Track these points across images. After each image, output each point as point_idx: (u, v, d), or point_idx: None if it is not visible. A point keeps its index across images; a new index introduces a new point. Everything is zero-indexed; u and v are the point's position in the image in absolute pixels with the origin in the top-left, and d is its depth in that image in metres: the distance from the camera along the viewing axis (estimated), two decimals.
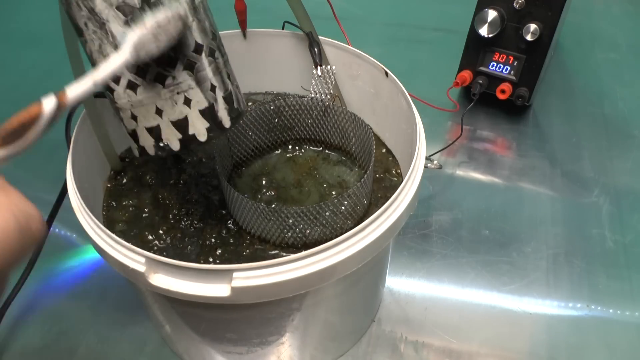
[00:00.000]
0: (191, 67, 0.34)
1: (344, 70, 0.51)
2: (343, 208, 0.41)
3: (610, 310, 0.51)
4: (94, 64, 0.34)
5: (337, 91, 0.51)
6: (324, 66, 0.49)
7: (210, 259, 0.42)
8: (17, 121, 0.23)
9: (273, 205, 0.42)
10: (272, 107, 0.49)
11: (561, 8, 0.63)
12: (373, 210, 0.40)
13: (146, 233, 0.43)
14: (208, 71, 0.35)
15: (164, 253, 0.42)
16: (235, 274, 0.32)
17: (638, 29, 0.88)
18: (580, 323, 0.51)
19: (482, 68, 0.69)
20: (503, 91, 0.68)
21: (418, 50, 0.83)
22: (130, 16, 0.31)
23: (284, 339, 0.41)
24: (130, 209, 0.45)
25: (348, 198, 0.41)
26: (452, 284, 0.53)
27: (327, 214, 0.40)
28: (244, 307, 0.35)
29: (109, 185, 0.47)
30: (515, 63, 0.67)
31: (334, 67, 0.50)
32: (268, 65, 0.54)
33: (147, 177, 0.47)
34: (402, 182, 0.37)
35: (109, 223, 0.44)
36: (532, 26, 0.64)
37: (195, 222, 0.44)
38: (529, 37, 0.64)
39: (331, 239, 0.33)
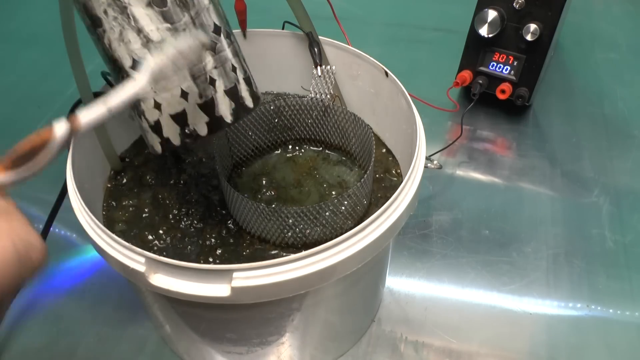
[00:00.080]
0: (213, 48, 0.34)
1: (344, 70, 0.51)
2: (343, 208, 0.41)
3: (610, 310, 0.51)
4: (111, 56, 0.33)
5: (337, 91, 0.51)
6: (324, 66, 0.49)
7: (210, 259, 0.42)
8: (28, 145, 0.23)
9: (273, 205, 0.42)
10: (272, 107, 0.49)
11: (561, 8, 0.63)
12: (373, 210, 0.40)
13: (146, 233, 0.43)
14: (228, 52, 0.35)
15: (164, 253, 0.42)
16: (235, 274, 0.32)
17: (638, 29, 0.88)
18: (580, 323, 0.51)
19: (482, 68, 0.69)
20: (503, 91, 0.68)
21: (418, 50, 0.83)
22: None
23: (284, 339, 0.41)
24: (130, 209, 0.45)
25: (348, 198, 0.41)
26: (452, 284, 0.53)
27: (327, 214, 0.40)
28: (244, 307, 0.35)
29: (109, 185, 0.47)
30: (515, 63, 0.67)
31: (334, 67, 0.50)
32: (268, 65, 0.54)
33: (147, 177, 0.47)
34: (402, 182, 0.37)
35: (109, 223, 0.44)
36: (532, 26, 0.64)
37: (195, 222, 0.44)
38: (529, 37, 0.64)
39: (331, 239, 0.33)
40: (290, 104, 0.49)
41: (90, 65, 0.41)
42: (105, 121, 0.27)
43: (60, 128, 0.24)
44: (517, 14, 0.65)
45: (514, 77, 0.68)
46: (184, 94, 0.33)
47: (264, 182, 0.48)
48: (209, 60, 0.34)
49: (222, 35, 0.34)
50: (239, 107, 0.36)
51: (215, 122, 0.35)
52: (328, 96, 0.49)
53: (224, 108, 0.35)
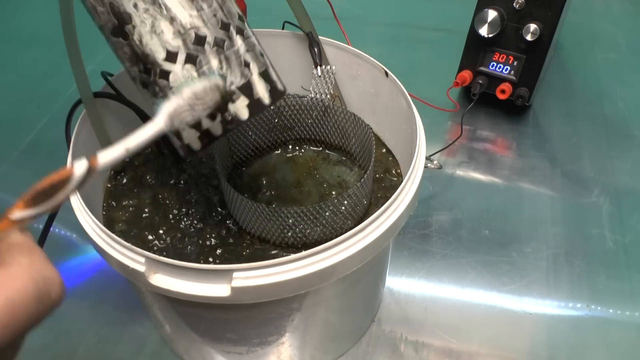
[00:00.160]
0: (242, 32, 0.34)
1: (344, 70, 0.51)
2: (343, 208, 0.41)
3: (610, 310, 0.51)
4: (142, 52, 0.33)
5: (337, 91, 0.51)
6: (324, 66, 0.49)
7: (210, 259, 0.42)
8: (48, 183, 0.24)
9: (273, 206, 0.42)
10: (272, 107, 0.49)
11: (561, 8, 0.63)
12: (373, 210, 0.40)
13: (146, 233, 0.43)
14: (254, 38, 0.35)
15: (164, 253, 0.42)
16: (235, 274, 0.32)
17: (638, 29, 0.88)
18: (580, 323, 0.51)
19: (482, 68, 0.69)
20: (503, 91, 0.68)
21: (418, 50, 0.83)
22: None
23: (284, 339, 0.41)
24: (130, 209, 0.45)
25: (348, 198, 0.41)
26: (452, 284, 0.53)
27: (327, 214, 0.40)
28: (244, 307, 0.35)
29: (109, 185, 0.47)
30: (515, 63, 0.67)
31: (334, 67, 0.50)
32: None
33: (147, 177, 0.47)
34: (402, 182, 0.37)
35: (109, 223, 0.44)
36: (532, 26, 0.64)
37: (195, 222, 0.44)
38: (529, 37, 0.64)
39: (331, 239, 0.33)
40: (290, 104, 0.49)
41: (90, 65, 0.41)
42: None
43: (80, 167, 0.25)
44: (517, 14, 0.65)
45: (514, 77, 0.68)
46: (222, 77, 0.34)
47: (264, 182, 0.48)
48: (241, 44, 0.34)
49: (245, 22, 0.35)
50: (273, 90, 0.36)
51: (255, 104, 0.35)
52: (328, 96, 0.49)
53: (262, 89, 0.35)
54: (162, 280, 0.33)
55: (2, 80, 0.78)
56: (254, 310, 0.36)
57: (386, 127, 0.51)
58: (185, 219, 0.44)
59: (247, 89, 0.35)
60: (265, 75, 0.35)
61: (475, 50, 0.68)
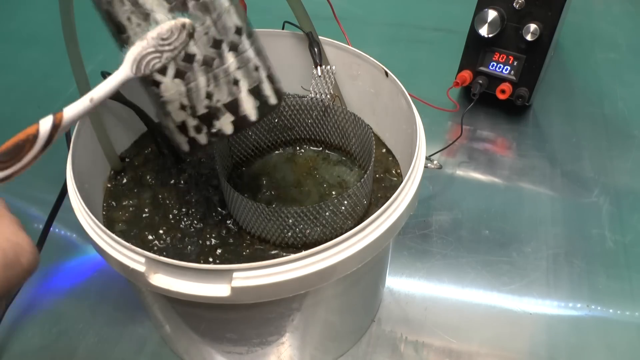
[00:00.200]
0: (235, 48, 0.34)
1: (344, 70, 0.51)
2: (343, 208, 0.41)
3: (610, 310, 0.51)
4: None
5: (337, 91, 0.51)
6: (324, 66, 0.49)
7: (210, 259, 0.42)
8: (14, 142, 0.23)
9: (273, 205, 0.42)
10: None
11: (561, 8, 0.63)
12: (373, 210, 0.40)
13: (146, 233, 0.43)
14: (250, 51, 0.35)
15: (164, 253, 0.42)
16: (235, 274, 0.32)
17: (638, 29, 0.88)
18: (580, 323, 0.51)
19: (482, 68, 0.69)
20: (503, 91, 0.68)
21: (418, 50, 0.83)
22: (174, 3, 0.32)
23: (284, 339, 0.41)
24: (130, 209, 0.45)
25: (348, 198, 0.41)
26: (452, 284, 0.53)
27: (327, 214, 0.40)
28: (244, 307, 0.35)
29: (109, 185, 0.47)
30: (515, 63, 0.67)
31: (334, 67, 0.50)
32: None
33: (147, 177, 0.47)
34: (402, 182, 0.37)
35: (109, 223, 0.44)
36: (532, 26, 0.64)
37: (195, 222, 0.44)
38: (529, 37, 0.64)
39: (331, 239, 0.33)
40: (290, 104, 0.49)
41: (90, 65, 0.41)
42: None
43: (45, 124, 0.24)
44: (517, 14, 0.65)
45: (514, 77, 0.68)
46: (209, 95, 0.35)
47: (264, 182, 0.48)
48: (232, 62, 0.35)
49: (243, 35, 0.35)
50: (263, 105, 0.37)
51: (240, 121, 0.36)
52: (328, 96, 0.49)
53: (249, 107, 0.36)
54: (162, 280, 0.33)
55: (2, 80, 0.78)
56: (254, 310, 0.36)
57: (386, 127, 0.51)
58: (185, 219, 0.44)
59: (232, 106, 0.35)
60: (255, 91, 0.36)
61: (475, 50, 0.68)
